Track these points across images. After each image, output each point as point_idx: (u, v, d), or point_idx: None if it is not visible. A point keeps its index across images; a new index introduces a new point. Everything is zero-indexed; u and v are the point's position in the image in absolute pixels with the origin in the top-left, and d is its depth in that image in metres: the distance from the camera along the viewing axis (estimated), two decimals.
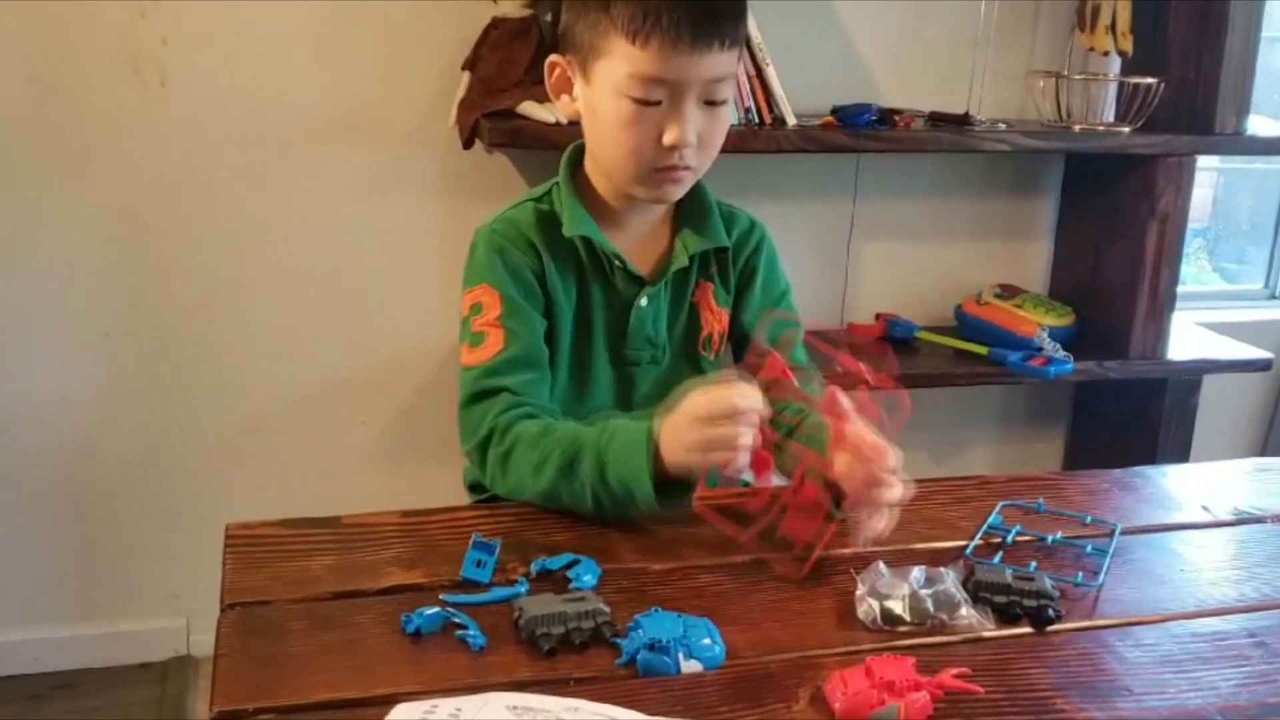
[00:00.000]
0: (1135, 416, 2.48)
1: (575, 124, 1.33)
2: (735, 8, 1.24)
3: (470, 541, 1.06)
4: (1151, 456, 2.41)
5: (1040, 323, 2.32)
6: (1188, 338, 2.47)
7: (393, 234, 2.14)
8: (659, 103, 1.21)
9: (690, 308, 1.39)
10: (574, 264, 1.33)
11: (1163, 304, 2.35)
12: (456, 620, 0.96)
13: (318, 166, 2.08)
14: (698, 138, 1.23)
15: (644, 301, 1.34)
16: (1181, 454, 2.44)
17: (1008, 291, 2.42)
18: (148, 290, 2.06)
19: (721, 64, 1.22)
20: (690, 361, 1.40)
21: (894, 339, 2.35)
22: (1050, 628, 1.02)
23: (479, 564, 1.05)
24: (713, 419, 1.07)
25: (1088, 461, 2.58)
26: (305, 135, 2.06)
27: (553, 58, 1.30)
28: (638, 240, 1.34)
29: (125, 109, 1.97)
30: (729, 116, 1.28)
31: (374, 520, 1.16)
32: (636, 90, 1.20)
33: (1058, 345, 2.27)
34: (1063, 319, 2.37)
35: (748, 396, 1.08)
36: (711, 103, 1.24)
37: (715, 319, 1.39)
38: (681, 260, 1.34)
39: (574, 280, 1.33)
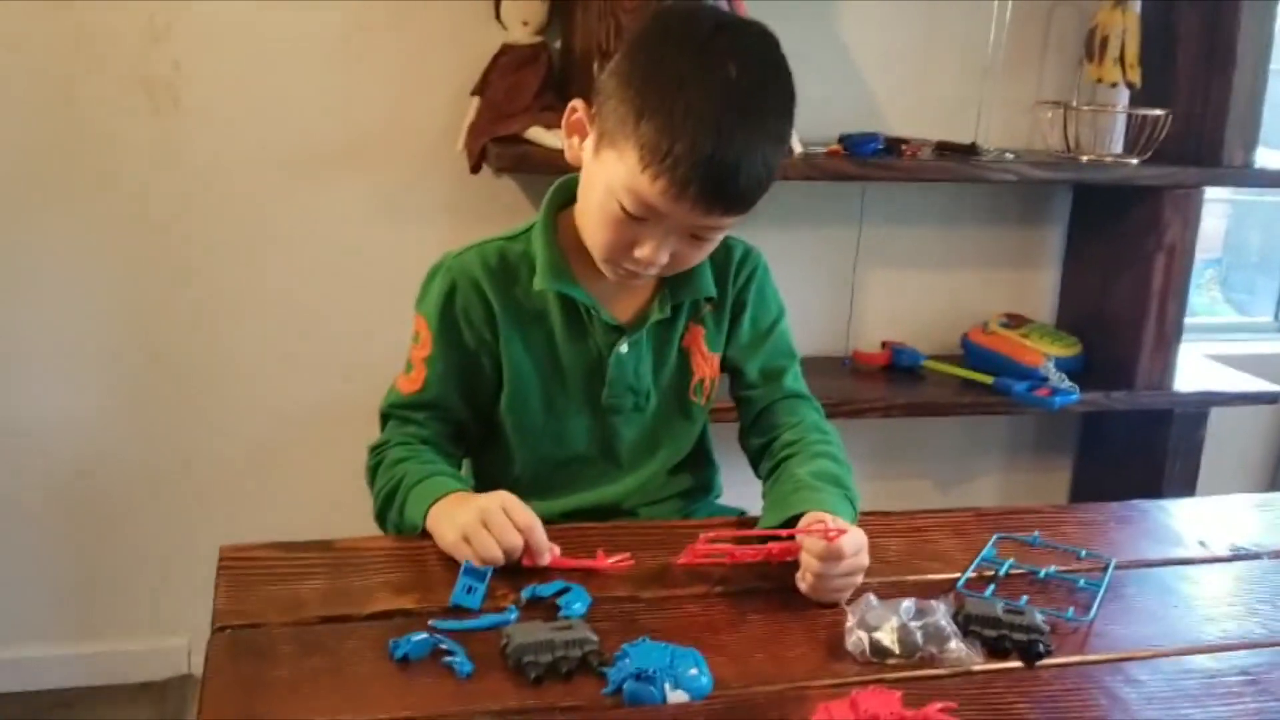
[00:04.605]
0: (1142, 448, 2.46)
1: None
2: (755, 191, 1.15)
3: (462, 567, 1.07)
4: (1158, 489, 2.39)
5: (1046, 353, 2.31)
6: (1195, 369, 2.46)
7: (400, 257, 2.14)
8: (644, 219, 1.15)
9: (680, 353, 1.34)
10: (541, 311, 1.29)
11: (1169, 335, 2.34)
12: (444, 646, 0.97)
13: (327, 190, 2.09)
14: (672, 257, 1.19)
15: (624, 349, 1.29)
16: (1188, 487, 2.42)
17: (1014, 321, 2.42)
18: (159, 312, 2.07)
19: (722, 222, 1.17)
20: (680, 408, 1.36)
21: (900, 367, 2.35)
22: (1040, 663, 1.02)
23: (470, 590, 1.05)
24: (483, 522, 1.10)
25: (1093, 493, 2.56)
26: (315, 159, 2.07)
27: (576, 103, 1.21)
28: (620, 285, 1.26)
29: (138, 132, 1.99)
30: (714, 246, 1.24)
31: (366, 545, 1.16)
32: (627, 202, 1.14)
33: (1064, 375, 2.26)
34: (1069, 349, 2.37)
35: (517, 534, 1.10)
36: (699, 238, 1.19)
37: (706, 364, 1.35)
38: (663, 312, 1.30)
39: (540, 327, 1.29)
